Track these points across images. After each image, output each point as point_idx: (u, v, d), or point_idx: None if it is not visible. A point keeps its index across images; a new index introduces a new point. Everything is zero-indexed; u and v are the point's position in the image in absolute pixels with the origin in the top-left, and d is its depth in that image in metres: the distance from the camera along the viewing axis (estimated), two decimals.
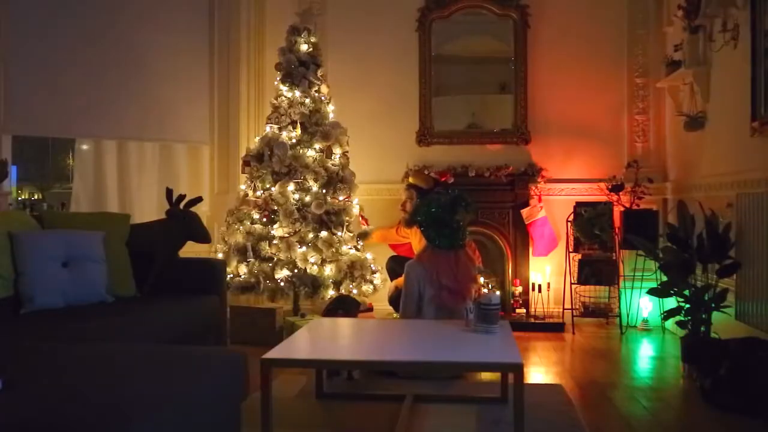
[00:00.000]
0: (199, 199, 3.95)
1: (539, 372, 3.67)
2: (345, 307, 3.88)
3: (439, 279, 3.53)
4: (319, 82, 4.65)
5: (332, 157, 4.58)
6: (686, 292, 3.60)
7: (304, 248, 4.31)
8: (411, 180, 4.90)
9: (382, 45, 5.36)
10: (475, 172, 5.05)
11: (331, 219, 4.41)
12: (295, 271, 4.28)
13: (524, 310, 4.96)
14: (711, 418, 2.84)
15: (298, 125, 4.54)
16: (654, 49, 5.08)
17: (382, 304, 4.97)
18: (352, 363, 2.82)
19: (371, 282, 4.45)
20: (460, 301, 3.50)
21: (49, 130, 5.05)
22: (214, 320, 3.61)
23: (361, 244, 4.55)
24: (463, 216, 3.61)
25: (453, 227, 3.58)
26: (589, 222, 4.75)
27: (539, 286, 5.02)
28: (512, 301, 4.98)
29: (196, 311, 3.44)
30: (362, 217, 4.70)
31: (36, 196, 6.23)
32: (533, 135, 5.22)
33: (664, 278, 3.76)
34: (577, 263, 4.85)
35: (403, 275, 3.68)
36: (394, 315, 4.84)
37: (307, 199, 4.40)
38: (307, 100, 4.58)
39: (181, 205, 3.86)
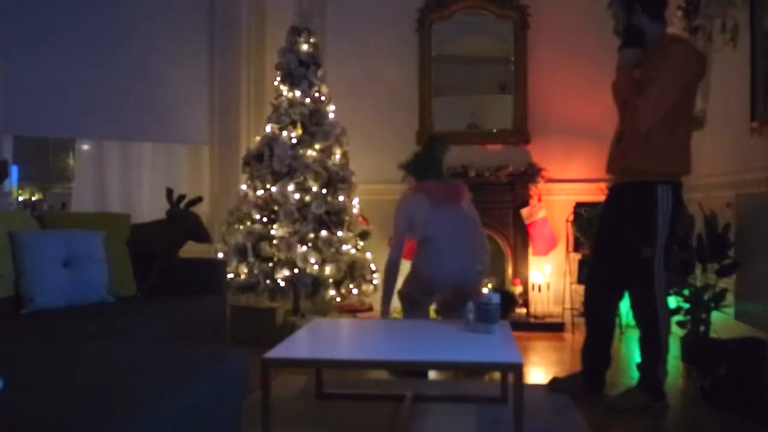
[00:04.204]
0: (199, 199, 3.95)
1: (539, 372, 3.67)
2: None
3: (429, 190, 3.68)
4: (319, 82, 4.65)
5: (332, 157, 4.58)
6: (686, 292, 3.60)
7: (304, 248, 4.31)
8: None
9: (382, 45, 5.36)
10: (475, 172, 5.04)
11: (331, 219, 4.41)
12: (295, 271, 4.29)
13: (524, 310, 4.96)
14: (711, 418, 2.85)
15: (299, 125, 4.54)
16: None
17: None
18: (352, 363, 2.82)
19: (371, 282, 4.45)
20: (456, 199, 3.65)
21: (49, 130, 5.05)
22: (214, 320, 3.62)
23: (362, 243, 4.56)
24: (440, 149, 3.83)
25: (432, 159, 3.79)
26: (589, 222, 4.75)
27: (539, 286, 5.02)
28: None
29: (196, 311, 3.44)
30: (362, 217, 4.70)
31: (36, 197, 6.22)
32: (533, 135, 5.22)
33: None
34: (577, 263, 4.85)
35: (397, 203, 3.80)
36: (394, 314, 4.84)
37: (307, 199, 4.40)
38: (307, 100, 4.58)
39: (181, 205, 3.86)
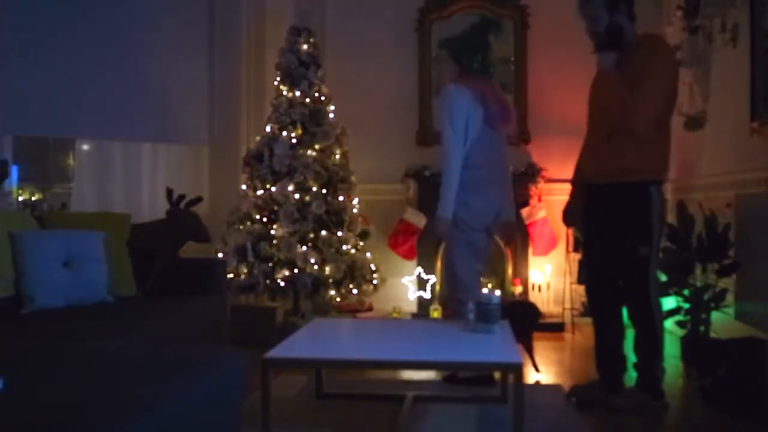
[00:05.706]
0: (199, 199, 3.96)
1: (539, 372, 3.67)
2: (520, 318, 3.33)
3: (485, 98, 3.32)
4: (319, 82, 4.65)
5: (332, 157, 4.58)
6: (686, 292, 3.61)
7: (304, 248, 4.31)
8: None
9: (381, 45, 5.36)
10: None
11: (331, 219, 4.41)
12: (295, 271, 4.29)
13: None
14: (711, 418, 2.85)
15: (298, 125, 4.54)
16: None
17: (382, 304, 4.98)
18: (352, 363, 2.82)
19: (371, 282, 4.45)
20: (509, 123, 3.44)
21: (49, 130, 5.04)
22: (214, 320, 3.62)
23: (362, 243, 4.56)
24: (493, 40, 3.44)
25: (483, 52, 3.40)
26: None
27: (539, 286, 5.02)
28: None
29: (196, 311, 3.44)
30: (362, 217, 4.70)
31: (36, 197, 6.22)
32: (533, 135, 5.22)
33: (664, 278, 3.76)
34: (577, 263, 4.84)
35: (445, 98, 3.38)
36: (394, 314, 4.85)
37: (307, 199, 4.40)
38: (307, 100, 4.58)
39: (181, 205, 3.86)
